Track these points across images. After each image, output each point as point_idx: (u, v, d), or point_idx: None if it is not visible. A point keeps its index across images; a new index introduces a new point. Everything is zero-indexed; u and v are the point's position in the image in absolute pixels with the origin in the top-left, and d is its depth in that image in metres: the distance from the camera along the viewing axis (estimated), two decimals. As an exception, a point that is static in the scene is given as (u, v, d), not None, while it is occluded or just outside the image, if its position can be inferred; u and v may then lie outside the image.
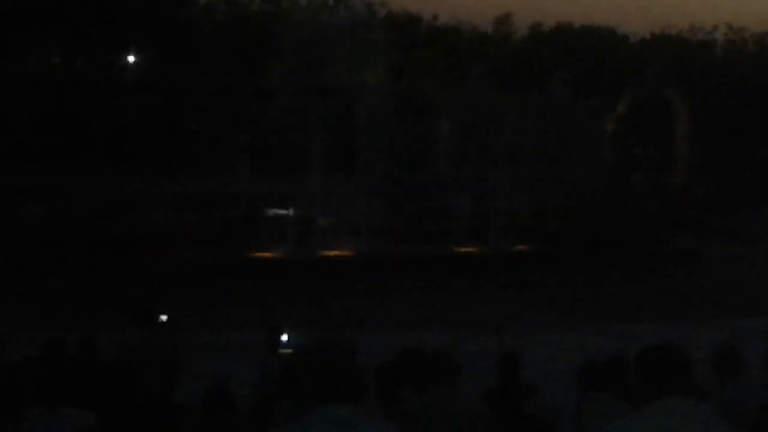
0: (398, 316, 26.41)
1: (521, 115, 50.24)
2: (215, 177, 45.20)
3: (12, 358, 9.66)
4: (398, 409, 7.41)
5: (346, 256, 38.59)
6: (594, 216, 46.49)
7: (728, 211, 55.46)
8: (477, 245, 41.35)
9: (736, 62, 74.93)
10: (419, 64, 63.42)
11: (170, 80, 52.57)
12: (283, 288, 29.73)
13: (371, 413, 5.39)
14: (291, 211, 43.40)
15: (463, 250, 40.74)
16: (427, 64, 64.09)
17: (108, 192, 43.98)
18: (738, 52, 77.85)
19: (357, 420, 4.92)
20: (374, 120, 47.61)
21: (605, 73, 66.24)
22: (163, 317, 12.82)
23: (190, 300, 25.61)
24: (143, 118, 51.63)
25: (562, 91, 52.58)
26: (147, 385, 9.64)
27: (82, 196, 43.34)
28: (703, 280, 35.78)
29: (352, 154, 47.34)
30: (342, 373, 4.98)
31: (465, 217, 43.52)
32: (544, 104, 51.37)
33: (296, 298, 27.84)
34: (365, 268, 35.23)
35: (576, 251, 40.73)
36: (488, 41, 72.97)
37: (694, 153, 59.26)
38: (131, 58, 59.89)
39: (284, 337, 12.61)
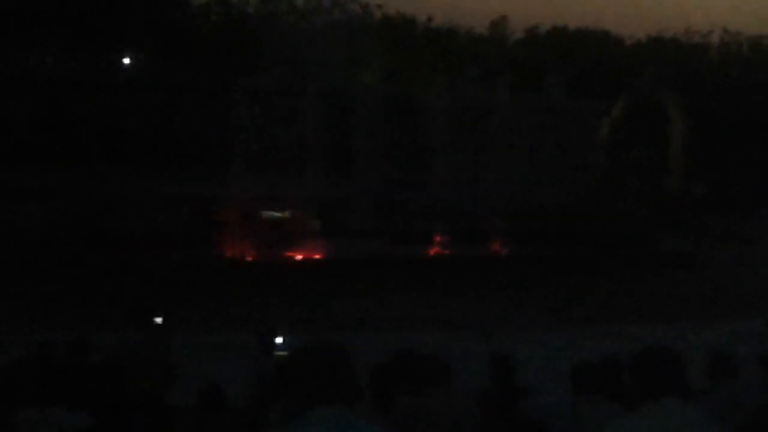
0: (393, 318, 26.42)
1: (516, 117, 50.26)
2: (210, 178, 45.14)
3: (5, 358, 9.65)
4: (393, 411, 7.40)
5: (340, 257, 38.56)
6: (589, 218, 46.51)
7: (723, 213, 55.48)
8: (472, 246, 41.34)
9: (731, 65, 75.04)
10: (414, 66, 63.40)
11: (165, 81, 52.53)
12: (279, 289, 29.71)
13: (366, 415, 5.38)
14: (287, 213, 43.36)
15: (457, 251, 40.73)
16: (422, 66, 64.08)
17: (103, 192, 43.94)
18: (733, 55, 77.96)
19: (351, 422, 4.91)
20: (369, 121, 47.63)
21: (600, 75, 66.25)
22: (159, 319, 12.80)
23: (185, 301, 25.57)
24: (138, 119, 51.57)
25: (558, 93, 52.63)
26: (140, 386, 9.63)
27: (78, 196, 43.30)
28: (698, 282, 35.81)
29: (347, 155, 47.36)
30: (336, 375, 4.97)
31: (460, 218, 43.50)
32: (539, 107, 51.41)
33: (291, 300, 27.82)
34: (360, 269, 35.21)
35: (571, 253, 40.75)
36: (483, 44, 72.97)
37: (689, 155, 59.33)
38: (127, 60, 59.86)
39: (279, 340, 12.58)
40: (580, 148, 52.89)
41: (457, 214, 43.75)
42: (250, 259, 38.18)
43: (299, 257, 38.72)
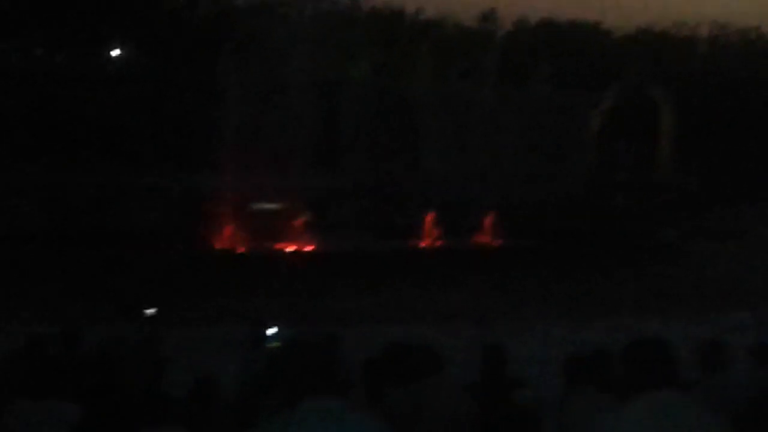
0: (384, 311, 26.42)
1: (505, 110, 50.24)
2: (199, 170, 45.09)
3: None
4: (385, 402, 7.41)
5: (331, 250, 38.53)
6: (577, 210, 46.56)
7: (713, 206, 55.54)
8: (462, 239, 41.35)
9: (720, 58, 75.11)
10: (403, 59, 63.34)
11: (153, 74, 52.46)
12: (271, 282, 29.66)
13: (358, 406, 5.38)
14: (277, 205, 43.31)
15: (448, 244, 40.73)
16: (411, 59, 64.04)
17: (93, 185, 43.88)
18: (722, 48, 78.05)
19: (343, 413, 4.92)
20: (359, 114, 47.61)
21: (589, 68, 66.29)
22: (151, 310, 12.80)
23: (176, 293, 25.52)
24: (123, 111, 51.50)
25: (546, 86, 52.63)
26: (132, 378, 9.63)
27: (67, 189, 43.22)
28: (689, 275, 35.86)
29: (335, 149, 47.32)
30: (328, 367, 4.98)
31: (449, 211, 43.48)
32: (528, 99, 51.41)
33: (283, 292, 27.78)
34: (351, 262, 35.19)
35: (559, 245, 40.77)
36: (472, 36, 72.90)
37: (678, 148, 59.40)
38: (114, 52, 59.73)
39: (271, 331, 12.57)
40: (568, 140, 52.91)
41: (447, 206, 43.73)
42: (240, 251, 38.13)
43: (290, 249, 38.68)
